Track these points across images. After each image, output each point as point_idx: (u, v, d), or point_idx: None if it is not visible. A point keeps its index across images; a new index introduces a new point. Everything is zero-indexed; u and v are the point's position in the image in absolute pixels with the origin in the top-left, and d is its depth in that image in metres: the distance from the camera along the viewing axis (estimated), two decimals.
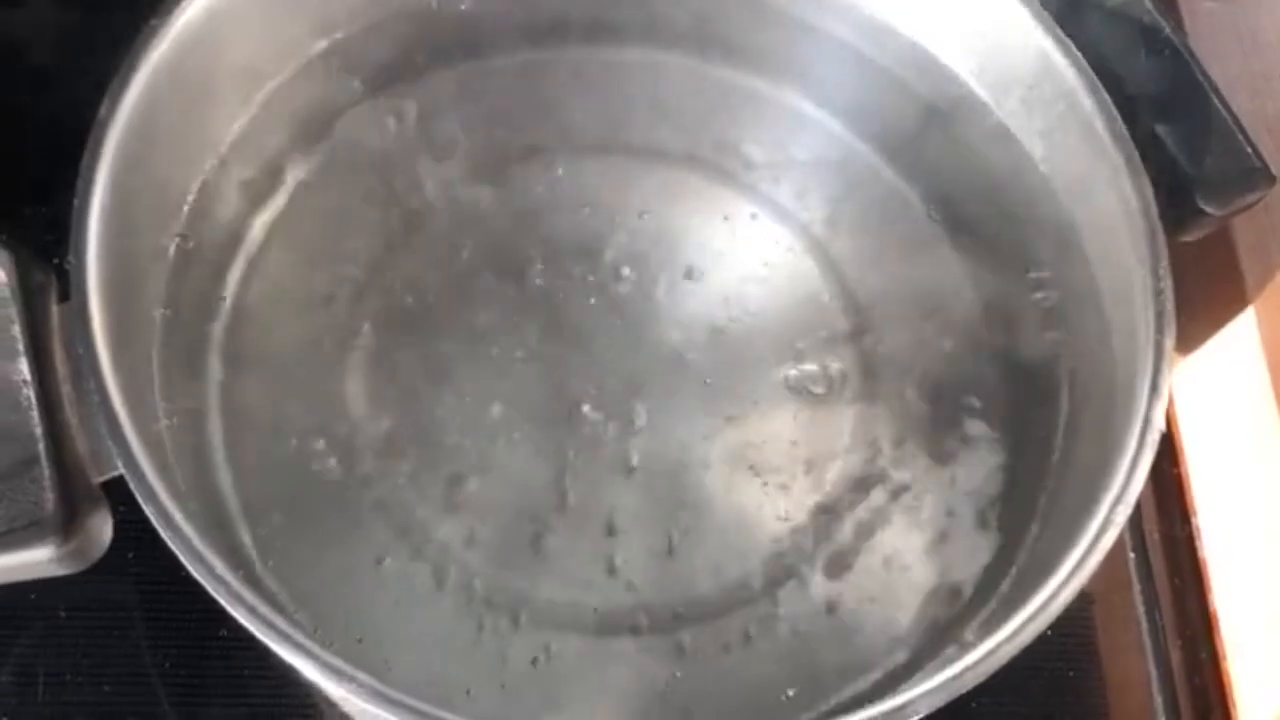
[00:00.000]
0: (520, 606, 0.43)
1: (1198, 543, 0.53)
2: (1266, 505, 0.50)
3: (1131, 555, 0.53)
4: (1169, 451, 0.54)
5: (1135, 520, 0.53)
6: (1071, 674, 0.51)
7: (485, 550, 0.44)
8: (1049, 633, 0.50)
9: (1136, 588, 0.52)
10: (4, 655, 0.46)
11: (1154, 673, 0.51)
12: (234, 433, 0.43)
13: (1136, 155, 0.44)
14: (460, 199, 0.49)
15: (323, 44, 0.48)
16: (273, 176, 0.47)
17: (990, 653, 0.36)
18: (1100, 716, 0.51)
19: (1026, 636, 0.37)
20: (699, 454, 0.46)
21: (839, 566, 0.45)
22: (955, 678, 0.36)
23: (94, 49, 0.41)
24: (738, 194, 0.50)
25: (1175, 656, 0.52)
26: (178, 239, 0.44)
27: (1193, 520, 0.54)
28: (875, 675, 0.42)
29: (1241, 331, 0.51)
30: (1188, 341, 0.53)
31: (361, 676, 0.34)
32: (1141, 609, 0.52)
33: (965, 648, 0.37)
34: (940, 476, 0.46)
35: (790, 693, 0.42)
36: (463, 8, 0.50)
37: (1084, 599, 0.51)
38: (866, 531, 0.45)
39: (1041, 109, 0.47)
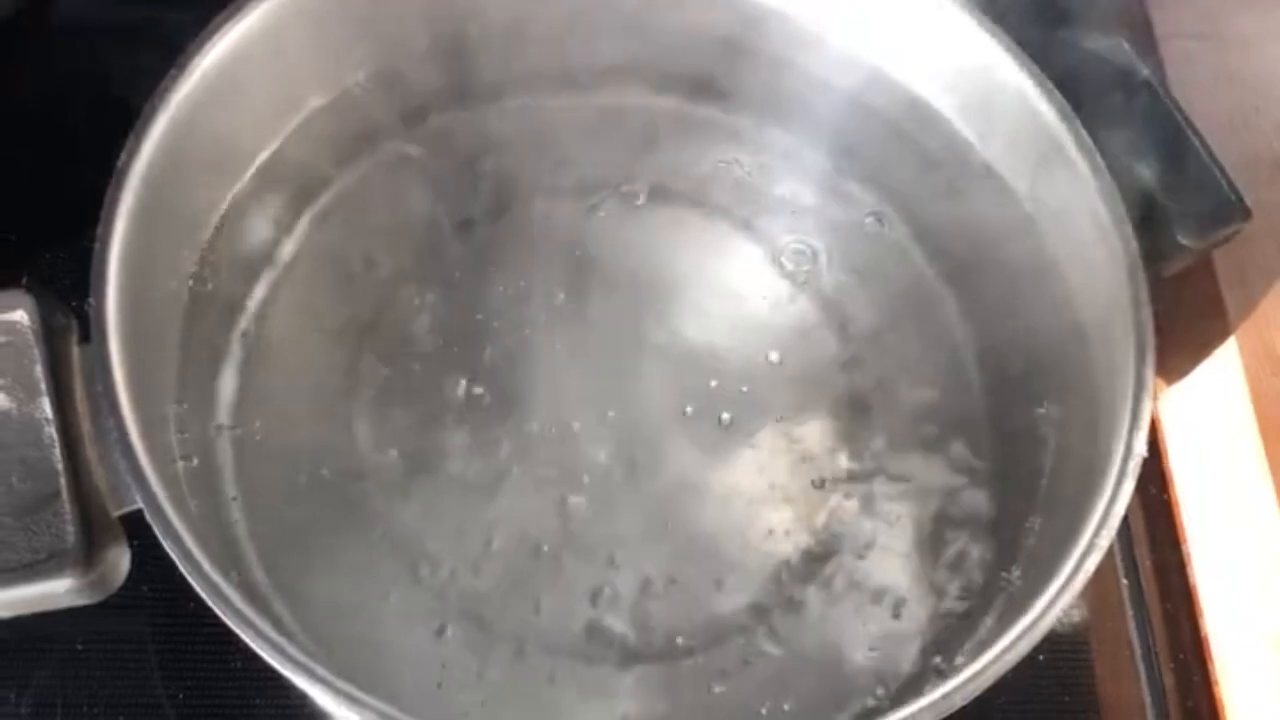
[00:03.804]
0: (525, 635, 0.44)
1: (1189, 568, 0.54)
2: (1254, 529, 0.51)
3: (1124, 581, 0.53)
4: (1159, 478, 0.55)
5: (1127, 546, 0.54)
6: (1066, 699, 0.51)
7: (491, 581, 0.45)
8: (1042, 658, 0.51)
9: (1129, 613, 0.53)
10: (24, 686, 0.47)
11: (1148, 697, 0.52)
12: (247, 467, 0.44)
13: (1116, 192, 0.45)
14: (467, 239, 0.50)
15: (332, 94, 0.50)
16: (286, 219, 0.49)
17: (978, 673, 0.37)
18: None
19: (1013, 657, 0.37)
20: (697, 486, 0.47)
21: (833, 595, 0.45)
22: (943, 698, 0.37)
23: (119, 96, 0.43)
24: (734, 233, 0.52)
25: (1168, 680, 0.52)
26: (193, 281, 0.45)
27: (1183, 546, 0.54)
28: (870, 699, 0.43)
29: (1225, 360, 0.52)
30: (1174, 371, 0.54)
31: (374, 703, 0.35)
32: (1134, 634, 0.53)
33: (954, 669, 0.37)
34: (931, 505, 0.47)
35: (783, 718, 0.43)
36: (473, 51, 0.51)
37: (1077, 625, 0.52)
38: (859, 560, 0.46)
39: (1024, 148, 0.48)
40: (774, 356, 0.49)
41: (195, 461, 0.43)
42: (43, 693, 0.47)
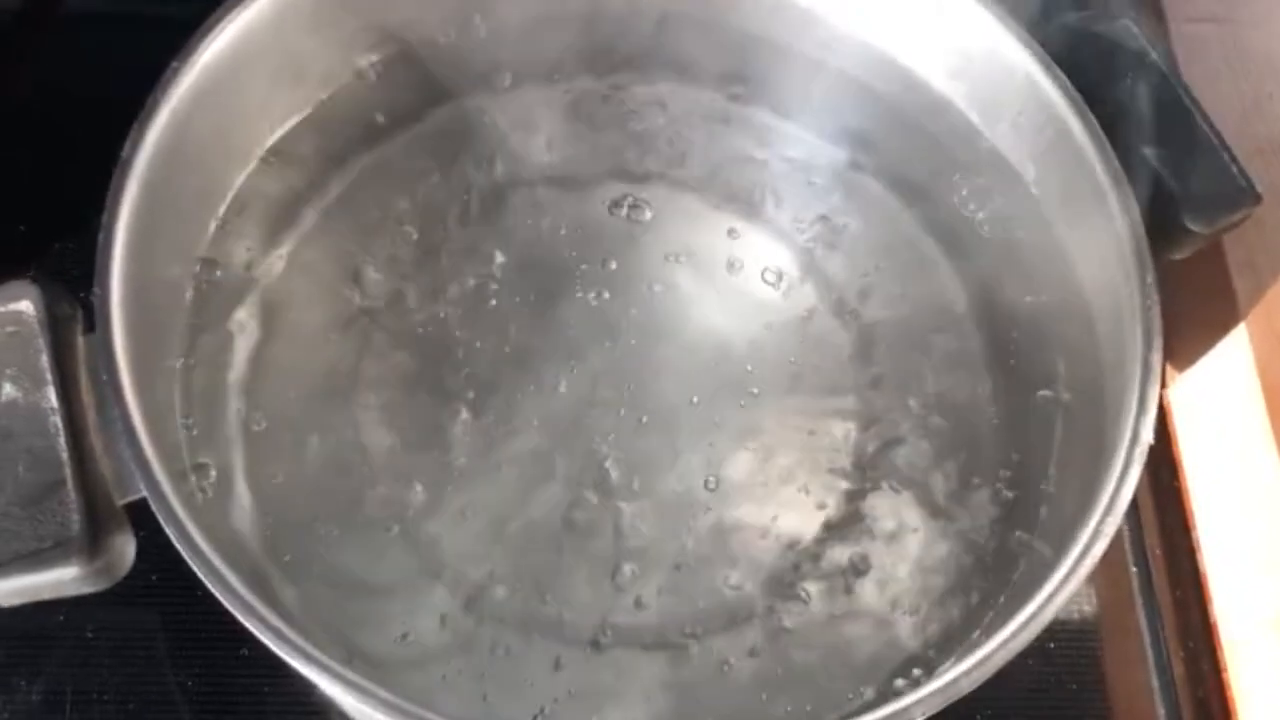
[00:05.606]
0: (533, 623, 0.44)
1: (1198, 555, 0.54)
2: (1264, 516, 0.51)
3: (1133, 568, 0.53)
4: (1169, 465, 0.55)
5: (1136, 533, 0.54)
6: (1074, 686, 0.51)
7: (499, 570, 0.45)
8: (1052, 645, 0.51)
9: (1138, 600, 0.53)
10: (34, 675, 0.48)
11: (1157, 684, 0.52)
12: (252, 456, 0.45)
13: (1124, 176, 0.45)
14: (473, 229, 0.50)
15: (335, 84, 0.50)
16: (291, 208, 0.49)
17: (986, 658, 0.37)
18: None
19: (1021, 643, 0.37)
20: (706, 477, 0.47)
21: (841, 583, 0.45)
22: (951, 683, 0.36)
23: (129, 89, 0.43)
24: (745, 222, 0.52)
25: (1177, 668, 0.52)
26: (198, 270, 0.46)
27: (1193, 533, 0.54)
28: (877, 687, 0.43)
29: (1235, 347, 0.51)
30: (1184, 357, 0.54)
31: (379, 690, 0.35)
32: (1144, 621, 0.53)
33: (959, 656, 0.37)
34: (938, 493, 0.47)
35: (792, 706, 0.43)
36: (479, 40, 0.51)
37: (1086, 612, 0.52)
38: (868, 549, 0.46)
39: (1031, 133, 0.48)
40: (785, 346, 0.49)
41: (200, 451, 0.43)
42: (53, 680, 0.48)
